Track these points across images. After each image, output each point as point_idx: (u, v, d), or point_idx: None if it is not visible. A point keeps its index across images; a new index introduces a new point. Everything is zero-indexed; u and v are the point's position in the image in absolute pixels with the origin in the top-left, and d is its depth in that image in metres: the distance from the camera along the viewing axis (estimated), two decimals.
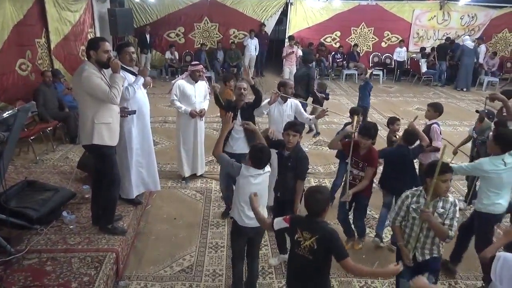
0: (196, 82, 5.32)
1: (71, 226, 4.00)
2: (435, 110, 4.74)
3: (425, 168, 3.09)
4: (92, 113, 3.56)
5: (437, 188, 2.91)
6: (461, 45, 12.51)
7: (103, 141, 3.63)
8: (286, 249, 3.98)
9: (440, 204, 2.99)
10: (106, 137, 3.64)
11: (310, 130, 7.42)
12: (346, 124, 5.12)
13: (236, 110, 4.60)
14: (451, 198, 3.01)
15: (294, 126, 3.76)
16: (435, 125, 4.63)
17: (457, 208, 2.99)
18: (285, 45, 12.01)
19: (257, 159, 3.18)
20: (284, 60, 11.61)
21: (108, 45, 3.61)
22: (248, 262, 3.58)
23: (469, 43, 12.20)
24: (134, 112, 4.16)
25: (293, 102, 4.79)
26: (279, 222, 2.75)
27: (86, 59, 3.65)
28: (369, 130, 3.96)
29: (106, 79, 3.58)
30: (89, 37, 9.80)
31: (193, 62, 5.65)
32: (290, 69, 11.24)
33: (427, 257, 3.11)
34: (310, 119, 4.92)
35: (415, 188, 3.15)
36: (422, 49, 13.22)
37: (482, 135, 4.92)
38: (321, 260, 2.61)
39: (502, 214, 3.68)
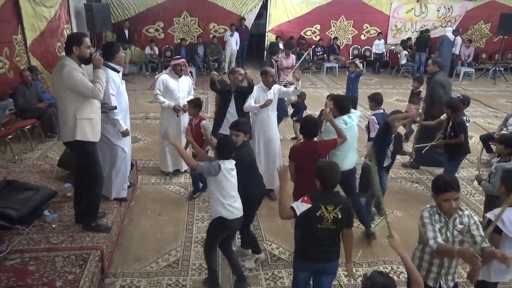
0: (180, 76, 5.30)
1: (54, 225, 3.93)
2: (373, 100, 5.07)
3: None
4: (74, 109, 3.50)
5: (441, 208, 2.63)
6: (441, 36, 12.70)
7: (86, 137, 3.58)
8: (260, 249, 4.07)
9: (458, 220, 2.64)
10: (89, 133, 3.59)
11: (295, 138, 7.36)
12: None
13: (230, 94, 4.91)
14: (466, 211, 2.69)
15: (237, 126, 3.72)
16: (372, 117, 4.94)
17: (475, 218, 2.72)
18: (279, 54, 8.23)
19: (225, 149, 3.29)
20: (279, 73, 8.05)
21: (89, 41, 3.58)
22: (227, 250, 3.62)
23: (450, 34, 12.40)
24: (114, 107, 4.11)
25: (274, 87, 5.08)
26: (300, 206, 2.75)
27: (64, 54, 3.58)
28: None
29: (86, 75, 3.53)
30: (66, 33, 9.60)
31: (175, 57, 5.62)
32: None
33: (451, 284, 2.72)
34: (296, 87, 5.13)
35: (430, 205, 2.75)
36: (403, 41, 13.42)
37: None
38: (342, 227, 2.84)
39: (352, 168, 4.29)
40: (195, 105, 4.92)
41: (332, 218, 2.75)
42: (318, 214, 2.73)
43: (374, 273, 2.19)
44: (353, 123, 4.22)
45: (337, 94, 4.57)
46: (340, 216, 2.76)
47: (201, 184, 5.23)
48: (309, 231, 2.82)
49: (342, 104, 4.25)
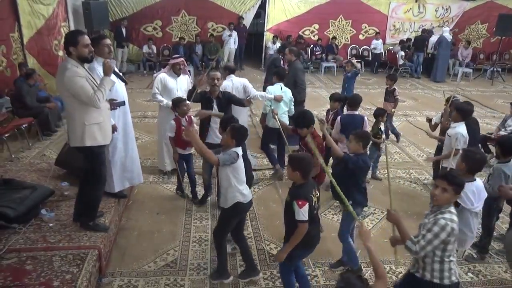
0: (178, 75, 5.26)
1: (51, 224, 3.91)
2: (348, 103, 5.32)
3: None
4: (81, 114, 3.43)
5: None
6: (439, 36, 12.70)
7: (96, 142, 3.54)
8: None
9: (431, 216, 2.61)
10: (99, 137, 3.54)
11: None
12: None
13: (211, 101, 4.66)
14: (441, 217, 2.52)
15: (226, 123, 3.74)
16: (338, 117, 5.19)
17: (438, 227, 2.49)
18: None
19: (242, 136, 3.40)
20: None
21: (87, 39, 3.46)
22: (240, 238, 3.75)
23: (447, 35, 12.41)
24: (123, 103, 4.07)
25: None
26: (302, 213, 2.90)
27: (66, 55, 3.47)
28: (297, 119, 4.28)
29: (91, 76, 3.45)
30: (63, 31, 9.54)
31: (174, 56, 5.58)
32: None
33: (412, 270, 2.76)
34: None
35: None
36: (402, 41, 13.43)
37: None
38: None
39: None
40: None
41: (316, 199, 3.06)
42: (313, 203, 2.99)
43: (349, 274, 2.20)
44: (286, 91, 5.67)
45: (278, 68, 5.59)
46: (318, 194, 3.12)
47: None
48: (312, 221, 3.03)
49: (280, 73, 5.80)
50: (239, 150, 3.37)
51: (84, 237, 3.76)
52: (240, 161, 3.38)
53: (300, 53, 7.20)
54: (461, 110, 4.56)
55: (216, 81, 4.65)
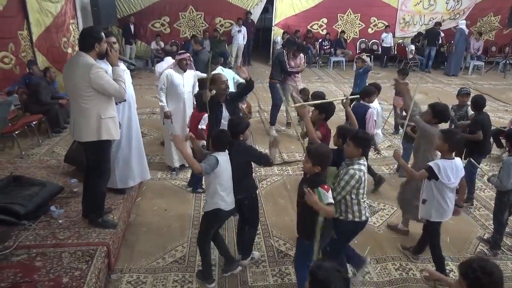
0: (185, 71, 5.26)
1: (60, 221, 3.93)
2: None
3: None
4: (97, 108, 3.44)
5: None
6: (457, 29, 12.45)
7: (110, 136, 3.57)
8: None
9: (343, 168, 3.23)
10: (113, 131, 3.58)
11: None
12: None
13: (220, 105, 4.56)
14: (350, 168, 3.13)
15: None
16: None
17: (348, 175, 3.11)
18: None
19: (220, 141, 3.32)
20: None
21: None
22: (215, 236, 3.68)
23: (464, 27, 12.17)
24: (124, 99, 4.06)
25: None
26: (328, 196, 2.89)
27: (82, 52, 3.42)
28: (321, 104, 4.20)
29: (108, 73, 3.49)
30: (71, 29, 9.58)
31: (180, 51, 5.57)
32: (294, 86, 7.23)
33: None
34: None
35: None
36: (416, 35, 13.25)
37: (460, 111, 5.35)
38: None
39: None
40: None
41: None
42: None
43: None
44: (227, 71, 6.11)
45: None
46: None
47: None
48: None
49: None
50: (220, 155, 3.28)
51: (93, 233, 3.77)
52: (223, 168, 3.29)
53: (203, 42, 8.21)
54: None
55: (228, 82, 4.57)
